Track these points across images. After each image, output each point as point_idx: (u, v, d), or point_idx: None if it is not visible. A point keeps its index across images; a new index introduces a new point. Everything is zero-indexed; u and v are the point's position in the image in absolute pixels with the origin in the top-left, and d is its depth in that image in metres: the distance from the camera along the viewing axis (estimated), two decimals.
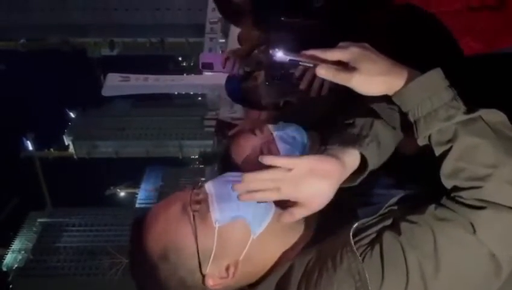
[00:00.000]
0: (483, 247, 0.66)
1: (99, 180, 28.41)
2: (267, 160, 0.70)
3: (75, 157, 26.85)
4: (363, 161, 0.75)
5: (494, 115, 0.68)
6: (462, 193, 0.67)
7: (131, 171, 27.53)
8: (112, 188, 28.21)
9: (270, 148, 1.02)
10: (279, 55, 0.71)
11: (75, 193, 28.75)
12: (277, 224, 0.75)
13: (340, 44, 0.72)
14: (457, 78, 0.70)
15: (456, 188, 0.68)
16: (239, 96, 1.52)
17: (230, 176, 0.78)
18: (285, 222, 0.72)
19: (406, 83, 0.71)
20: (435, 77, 0.70)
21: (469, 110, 0.68)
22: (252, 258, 0.74)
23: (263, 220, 0.75)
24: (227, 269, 0.73)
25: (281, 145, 1.03)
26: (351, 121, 0.79)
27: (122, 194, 28.45)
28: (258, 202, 0.73)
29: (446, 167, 0.69)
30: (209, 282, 0.72)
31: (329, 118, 1.07)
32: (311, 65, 0.71)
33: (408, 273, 0.66)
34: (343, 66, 0.71)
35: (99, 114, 27.59)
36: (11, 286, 23.35)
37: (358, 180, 0.75)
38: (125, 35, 23.48)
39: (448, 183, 0.69)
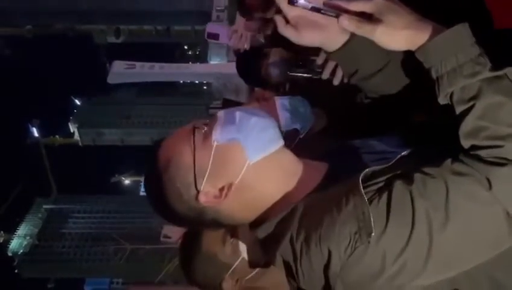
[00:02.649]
0: (498, 204, 0.64)
1: (105, 168, 28.55)
2: None
3: (80, 144, 26.93)
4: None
5: None
6: (481, 152, 0.65)
7: (136, 159, 27.60)
8: (116, 175, 28.34)
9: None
10: (301, 1, 0.69)
11: (81, 180, 28.93)
12: (281, 159, 0.78)
13: None
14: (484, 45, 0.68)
15: (474, 147, 0.66)
16: (245, 72, 1.50)
17: (245, 107, 0.81)
18: (276, 21, 0.74)
19: (431, 38, 0.68)
20: (462, 32, 0.68)
21: (495, 68, 0.66)
22: (248, 185, 0.75)
23: (263, 149, 0.75)
24: (221, 189, 0.75)
25: (281, 113, 1.02)
26: None
27: (126, 182, 28.57)
28: None
29: (467, 125, 0.66)
30: (202, 198, 0.75)
31: (338, 100, 1.04)
32: (334, 15, 0.69)
33: (414, 222, 0.64)
34: (367, 17, 0.69)
35: (105, 102, 27.60)
36: (16, 271, 23.63)
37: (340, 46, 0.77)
38: (131, 22, 23.36)
39: (466, 143, 0.67)
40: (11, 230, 24.55)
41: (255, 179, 0.75)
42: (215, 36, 1.77)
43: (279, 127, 0.77)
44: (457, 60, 0.66)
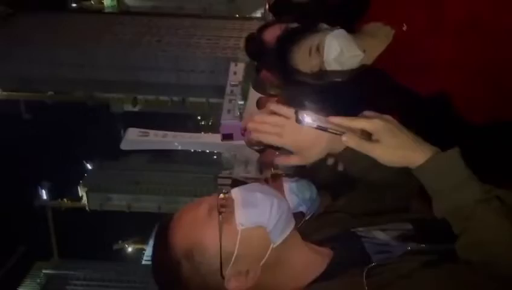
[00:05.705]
0: None
1: (108, 234, 28.16)
2: (273, 107, 0.80)
3: (87, 209, 26.83)
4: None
5: (509, 195, 0.70)
6: (477, 266, 0.68)
7: (141, 226, 27.29)
8: (120, 242, 27.85)
9: None
10: (307, 120, 0.74)
11: (83, 244, 28.45)
12: (294, 240, 0.78)
13: (366, 113, 0.76)
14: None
15: (470, 261, 0.69)
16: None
17: (256, 185, 0.82)
18: (280, 163, 0.80)
19: (426, 158, 0.74)
20: (453, 157, 0.74)
21: (485, 190, 0.70)
22: (271, 267, 0.76)
23: (283, 231, 0.76)
24: (247, 273, 0.75)
25: (288, 196, 1.04)
26: None
27: (129, 249, 28.01)
28: (260, 147, 0.80)
29: (461, 241, 0.71)
30: (229, 284, 0.74)
31: (341, 180, 1.08)
32: (339, 133, 0.74)
33: None
34: (367, 134, 0.74)
35: (116, 167, 27.90)
36: None
37: (337, 151, 0.83)
38: (149, 93, 24.29)
39: (463, 255, 0.70)
40: None
41: (278, 260, 0.76)
42: (230, 136, 1.81)
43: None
44: (448, 182, 0.71)
